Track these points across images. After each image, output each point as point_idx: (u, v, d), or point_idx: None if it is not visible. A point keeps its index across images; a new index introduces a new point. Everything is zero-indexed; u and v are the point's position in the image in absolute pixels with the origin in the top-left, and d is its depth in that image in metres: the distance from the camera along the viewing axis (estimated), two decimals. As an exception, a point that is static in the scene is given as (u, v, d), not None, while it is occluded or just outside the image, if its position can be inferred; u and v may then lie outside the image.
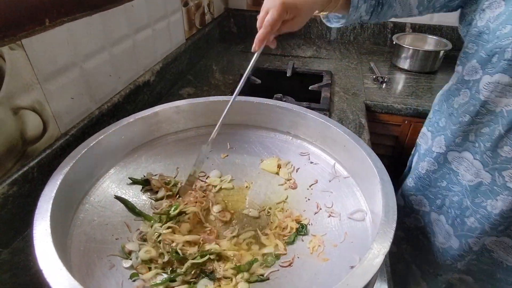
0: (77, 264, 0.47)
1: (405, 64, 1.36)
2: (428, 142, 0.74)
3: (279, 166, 0.71)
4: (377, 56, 1.50)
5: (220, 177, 0.69)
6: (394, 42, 1.38)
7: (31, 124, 0.63)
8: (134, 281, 0.48)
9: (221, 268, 0.49)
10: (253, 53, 0.58)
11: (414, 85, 1.25)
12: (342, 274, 0.47)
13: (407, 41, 1.44)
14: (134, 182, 0.64)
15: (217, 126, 0.62)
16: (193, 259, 0.49)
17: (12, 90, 0.58)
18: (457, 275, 0.75)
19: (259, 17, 0.57)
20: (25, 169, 0.61)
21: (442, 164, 0.69)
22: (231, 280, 0.48)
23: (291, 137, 0.75)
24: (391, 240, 0.41)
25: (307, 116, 0.70)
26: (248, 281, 0.48)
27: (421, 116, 1.09)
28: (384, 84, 1.24)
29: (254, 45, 0.57)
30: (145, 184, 0.65)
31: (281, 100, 0.88)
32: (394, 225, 0.42)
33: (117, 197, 0.60)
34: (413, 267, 0.82)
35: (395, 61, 1.39)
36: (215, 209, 0.61)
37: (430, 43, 1.44)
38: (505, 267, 0.66)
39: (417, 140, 0.81)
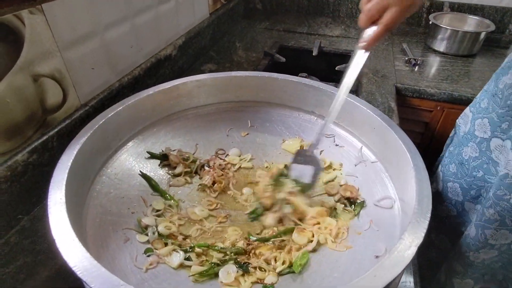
0: (92, 235, 0.46)
1: (441, 46, 1.26)
2: (468, 124, 0.67)
3: (301, 147, 0.67)
4: (410, 37, 1.40)
5: (239, 156, 0.66)
6: (430, 22, 1.28)
7: (51, 93, 0.62)
8: (148, 256, 0.46)
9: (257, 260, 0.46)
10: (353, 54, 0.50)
11: (449, 69, 1.16)
12: (366, 263, 0.44)
13: (445, 21, 1.34)
14: (152, 156, 0.63)
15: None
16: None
17: (32, 56, 0.57)
18: (481, 285, 0.71)
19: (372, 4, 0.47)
20: (44, 138, 0.61)
21: (483, 152, 0.63)
22: (265, 271, 0.45)
23: (315, 117, 0.71)
24: (424, 231, 0.37)
25: (334, 95, 0.65)
26: (280, 274, 0.45)
27: (456, 102, 1.02)
28: (416, 67, 1.16)
29: (364, 43, 0.48)
30: (163, 159, 0.63)
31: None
32: (429, 215, 0.39)
33: (142, 174, 0.59)
34: (441, 260, 0.77)
35: (430, 43, 1.30)
36: (245, 191, 0.59)
37: (471, 23, 1.33)
38: None
39: (457, 120, 0.75)
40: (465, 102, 0.95)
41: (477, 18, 1.31)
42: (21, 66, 0.55)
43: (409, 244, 0.36)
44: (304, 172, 0.54)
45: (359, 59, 0.50)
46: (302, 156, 0.56)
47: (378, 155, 0.59)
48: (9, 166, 0.55)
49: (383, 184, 0.56)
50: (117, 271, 0.43)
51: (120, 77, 0.79)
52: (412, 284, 0.48)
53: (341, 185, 0.58)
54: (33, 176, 0.59)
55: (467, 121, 0.69)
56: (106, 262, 0.43)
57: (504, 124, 0.58)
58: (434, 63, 1.20)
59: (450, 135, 0.78)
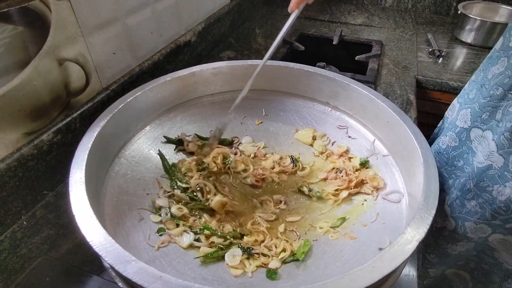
0: (109, 213, 0.49)
1: (468, 37, 1.21)
2: (453, 115, 0.66)
3: (314, 138, 0.68)
4: (436, 27, 1.35)
5: (252, 144, 0.68)
6: (459, 12, 1.22)
7: (74, 76, 0.65)
8: (160, 235, 0.49)
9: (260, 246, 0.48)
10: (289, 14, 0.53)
11: (475, 62, 1.11)
12: (368, 255, 0.45)
13: (475, 11, 1.27)
14: (168, 141, 0.65)
15: (244, 90, 0.59)
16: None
17: (58, 41, 0.59)
18: (454, 270, 0.71)
19: None
20: (68, 119, 0.64)
21: (463, 142, 0.61)
22: (268, 257, 0.47)
23: (330, 108, 0.71)
24: (427, 227, 0.37)
25: (349, 87, 0.65)
26: (284, 261, 0.46)
27: (480, 96, 0.98)
28: (440, 59, 1.12)
29: (291, 5, 0.52)
30: (179, 144, 0.65)
31: (324, 69, 0.83)
32: (434, 211, 0.39)
33: (160, 154, 0.62)
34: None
35: (457, 33, 1.25)
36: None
37: (503, 14, 1.26)
38: (504, 270, 0.62)
39: (446, 112, 0.74)
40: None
41: (511, 8, 1.24)
42: (47, 50, 0.58)
43: (410, 239, 0.36)
44: None
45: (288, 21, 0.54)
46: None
47: (390, 149, 0.59)
48: (36, 145, 0.58)
49: (393, 178, 0.56)
50: (131, 248, 0.45)
51: (141, 62, 0.82)
52: (415, 278, 0.49)
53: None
54: (57, 155, 0.63)
55: (454, 112, 0.68)
56: (121, 239, 0.46)
57: (484, 114, 0.56)
58: (459, 55, 1.16)
59: (438, 125, 0.77)
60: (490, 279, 0.66)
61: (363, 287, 0.32)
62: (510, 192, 0.53)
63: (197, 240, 0.48)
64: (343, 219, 0.52)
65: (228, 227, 0.50)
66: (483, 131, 0.58)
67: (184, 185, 0.55)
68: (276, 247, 0.47)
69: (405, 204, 0.50)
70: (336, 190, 0.56)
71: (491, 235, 0.61)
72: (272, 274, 0.44)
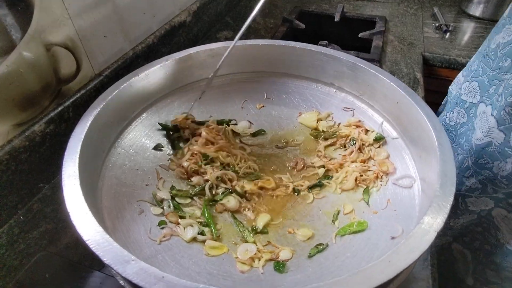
0: (108, 206, 0.47)
1: (477, 10, 1.15)
2: (457, 89, 0.63)
3: (318, 120, 0.65)
4: (442, 0, 1.29)
5: (246, 128, 0.65)
6: (467, -17, 1.16)
7: (64, 62, 0.61)
8: (162, 228, 0.47)
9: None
10: None
11: (484, 36, 1.06)
12: (380, 244, 0.43)
13: (484, -19, 1.21)
14: (164, 128, 0.62)
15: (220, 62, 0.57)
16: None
17: (43, 25, 0.55)
18: (460, 247, 0.70)
19: None
20: (60, 108, 0.61)
21: (471, 118, 0.59)
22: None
23: (334, 90, 0.68)
24: (446, 216, 0.35)
25: (356, 66, 0.61)
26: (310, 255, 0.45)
27: (489, 73, 0.94)
28: (448, 34, 1.08)
29: None
30: (175, 130, 0.62)
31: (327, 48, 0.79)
32: (451, 199, 0.36)
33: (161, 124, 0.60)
34: None
35: (464, 6, 1.19)
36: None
37: (513, -16, 1.20)
38: (505, 251, 0.61)
39: (449, 87, 0.71)
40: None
41: (522, -23, 1.18)
42: (33, 35, 0.54)
43: (427, 229, 0.34)
44: None
45: None
46: None
47: (400, 132, 0.56)
48: (27, 137, 0.55)
49: (403, 162, 0.53)
50: (132, 243, 0.44)
51: (134, 45, 0.77)
52: (429, 264, 0.47)
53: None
54: (51, 146, 0.60)
55: (458, 86, 0.64)
56: (121, 233, 0.44)
57: (492, 88, 0.53)
58: (467, 30, 1.11)
59: (442, 103, 0.74)
60: (490, 259, 0.66)
61: (379, 284, 0.30)
62: (511, 168, 0.51)
63: (201, 233, 0.46)
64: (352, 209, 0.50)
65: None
66: (486, 106, 0.55)
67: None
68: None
69: (418, 189, 0.48)
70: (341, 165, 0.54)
71: (495, 208, 0.60)
72: (280, 266, 0.42)
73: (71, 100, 0.63)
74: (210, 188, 0.51)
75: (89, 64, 0.66)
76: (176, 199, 0.51)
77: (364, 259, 0.41)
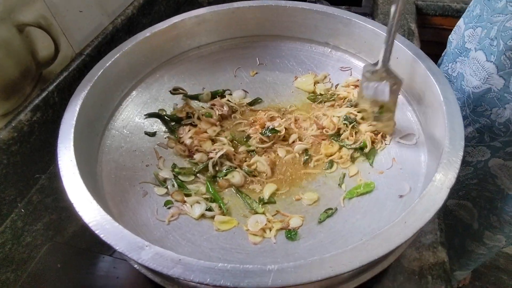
0: (110, 192, 0.46)
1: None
2: (460, 38, 0.61)
3: (315, 83, 0.63)
4: None
5: (242, 98, 0.62)
6: None
7: (40, 43, 0.57)
8: (169, 208, 0.46)
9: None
10: None
11: (478, -22, 1.02)
12: (389, 204, 0.43)
13: None
14: (151, 116, 0.59)
15: None
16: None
17: (11, 3, 0.51)
18: (455, 201, 0.71)
19: None
20: (44, 94, 0.57)
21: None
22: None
23: (329, 49, 0.65)
24: (457, 172, 0.35)
25: (351, 22, 0.58)
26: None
27: (484, 17, 0.91)
28: (440, -21, 1.03)
29: None
30: (177, 121, 0.59)
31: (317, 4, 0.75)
32: (461, 153, 0.36)
33: (149, 114, 0.57)
34: None
35: None
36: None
37: None
38: (506, 196, 0.62)
39: (449, 36, 0.68)
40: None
41: None
42: (1, 16, 0.49)
43: (440, 187, 0.34)
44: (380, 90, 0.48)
45: None
46: (373, 73, 0.49)
47: (401, 88, 0.55)
48: (14, 127, 0.53)
49: (405, 119, 0.52)
50: (141, 226, 0.43)
51: (113, 18, 0.72)
52: (435, 217, 0.48)
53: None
54: (41, 135, 0.57)
55: (459, 35, 0.62)
56: (128, 218, 0.43)
57: (483, 32, 0.52)
58: (460, -27, 1.06)
59: (442, 54, 0.72)
60: (493, 205, 0.67)
61: (397, 245, 0.30)
62: (510, 114, 0.51)
63: (209, 209, 0.46)
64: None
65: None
66: (475, 51, 0.53)
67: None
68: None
69: (422, 146, 0.47)
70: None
71: (491, 159, 0.60)
72: (292, 234, 0.42)
73: (54, 84, 0.59)
74: (214, 165, 0.50)
75: (67, 43, 0.62)
76: (179, 177, 0.50)
77: (374, 219, 0.42)
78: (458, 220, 0.75)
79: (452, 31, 0.67)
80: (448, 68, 0.64)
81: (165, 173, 0.49)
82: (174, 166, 0.52)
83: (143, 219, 0.44)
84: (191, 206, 0.46)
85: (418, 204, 0.33)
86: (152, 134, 0.56)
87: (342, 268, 0.29)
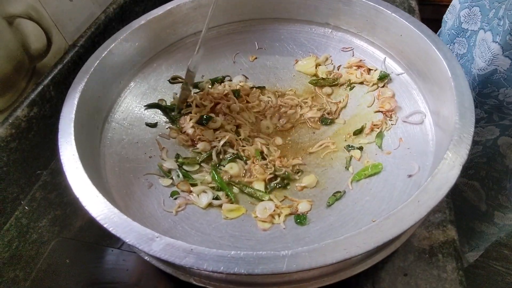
0: (115, 185, 0.45)
1: None
2: (454, 18, 0.60)
3: (317, 66, 0.61)
4: None
5: (242, 82, 0.61)
6: None
7: (32, 36, 0.55)
8: (175, 198, 0.46)
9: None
10: None
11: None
12: (398, 184, 0.43)
13: None
14: (150, 106, 0.57)
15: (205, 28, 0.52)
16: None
17: (-2, -6, 0.49)
18: (465, 180, 0.71)
19: None
20: (40, 88, 0.56)
21: (470, 48, 0.57)
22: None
23: (330, 30, 0.63)
24: (469, 148, 0.34)
25: (351, 1, 0.57)
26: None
27: (485, -9, 0.89)
28: (438, -47, 1.00)
29: None
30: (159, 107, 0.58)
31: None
32: (472, 129, 0.35)
33: (149, 105, 0.56)
34: None
35: None
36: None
37: None
38: None
39: (444, 16, 0.67)
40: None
41: None
42: (-11, 8, 0.48)
43: (452, 164, 0.33)
44: None
45: None
46: None
47: (405, 66, 0.54)
48: (12, 124, 0.51)
49: (411, 98, 0.51)
50: (148, 218, 0.42)
51: (105, 7, 0.70)
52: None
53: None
54: (39, 131, 0.56)
55: (454, 15, 0.61)
56: (135, 210, 0.43)
57: (491, 12, 0.50)
58: None
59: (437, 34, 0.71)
60: (501, 185, 0.67)
61: (411, 225, 0.29)
62: None
63: (216, 198, 0.45)
64: (361, 149, 0.49)
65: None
66: (485, 32, 0.52)
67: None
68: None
69: (429, 124, 0.47)
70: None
71: (500, 137, 0.60)
72: (301, 219, 0.42)
73: (49, 77, 0.57)
74: (218, 154, 0.49)
75: (60, 35, 0.60)
76: (184, 167, 0.49)
77: (384, 200, 0.41)
78: (465, 201, 0.75)
79: (447, 11, 0.65)
80: None
81: (169, 164, 0.49)
82: (177, 156, 0.51)
83: (150, 211, 0.43)
84: (198, 195, 0.45)
85: (430, 182, 0.32)
86: (153, 125, 0.55)
87: (357, 250, 0.28)
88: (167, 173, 0.48)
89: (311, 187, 0.47)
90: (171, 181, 0.47)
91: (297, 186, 0.47)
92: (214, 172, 0.48)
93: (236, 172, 0.48)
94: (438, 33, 0.71)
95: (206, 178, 0.48)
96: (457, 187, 0.76)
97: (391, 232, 0.29)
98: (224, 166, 0.49)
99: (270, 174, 0.47)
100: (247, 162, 0.49)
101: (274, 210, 0.43)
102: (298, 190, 0.47)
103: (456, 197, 0.76)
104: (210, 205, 0.45)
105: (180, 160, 0.50)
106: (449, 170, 0.33)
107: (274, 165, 0.48)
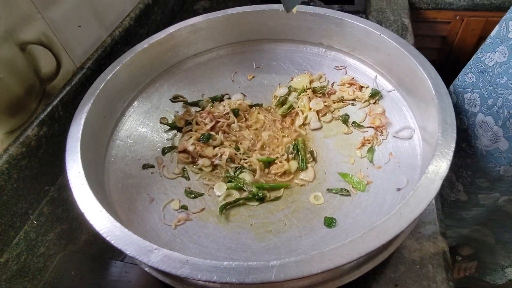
0: (118, 200, 0.48)
1: None
2: (500, 27, 0.60)
3: (311, 82, 0.64)
4: None
5: (240, 100, 0.64)
6: None
7: (43, 60, 0.59)
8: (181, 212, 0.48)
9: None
10: None
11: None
12: (388, 197, 0.45)
13: None
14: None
15: None
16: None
17: (12, 23, 0.52)
18: (507, 197, 0.70)
19: None
20: (49, 108, 0.59)
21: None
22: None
23: (324, 49, 0.66)
24: (449, 163, 0.36)
25: (343, 22, 0.60)
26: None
27: (478, 8, 0.92)
28: (431, -28, 1.04)
29: None
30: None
31: (308, 5, 0.76)
32: (453, 145, 0.37)
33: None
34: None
35: None
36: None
37: None
38: (484, 155, 0.62)
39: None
40: (488, 7, 0.86)
41: None
42: (3, 35, 0.51)
43: (433, 178, 0.35)
44: None
45: None
46: None
47: (395, 83, 0.56)
48: (22, 143, 0.54)
49: (401, 114, 0.53)
50: (149, 231, 0.45)
51: (111, 31, 0.74)
52: (434, 208, 0.49)
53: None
54: (48, 149, 0.59)
55: (501, 24, 0.61)
56: (137, 224, 0.45)
57: (490, 100, 0.53)
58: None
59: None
60: (474, 168, 0.68)
61: (393, 236, 0.31)
62: None
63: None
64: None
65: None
66: (485, 116, 0.55)
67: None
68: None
69: (418, 139, 0.49)
70: None
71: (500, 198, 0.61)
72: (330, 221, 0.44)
73: (58, 98, 0.61)
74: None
75: (68, 58, 0.64)
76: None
77: (374, 213, 0.43)
78: (507, 215, 0.74)
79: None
80: (485, 58, 0.61)
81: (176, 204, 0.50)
82: (184, 169, 0.54)
83: (151, 225, 0.45)
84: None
85: (412, 196, 0.34)
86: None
87: (341, 260, 0.30)
88: (191, 194, 0.51)
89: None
90: (180, 205, 0.49)
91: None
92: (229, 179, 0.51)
93: (250, 179, 0.51)
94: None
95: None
96: (497, 205, 0.75)
97: (374, 243, 0.31)
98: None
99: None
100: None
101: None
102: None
103: (498, 212, 0.75)
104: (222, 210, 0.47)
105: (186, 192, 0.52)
106: (430, 183, 0.35)
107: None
